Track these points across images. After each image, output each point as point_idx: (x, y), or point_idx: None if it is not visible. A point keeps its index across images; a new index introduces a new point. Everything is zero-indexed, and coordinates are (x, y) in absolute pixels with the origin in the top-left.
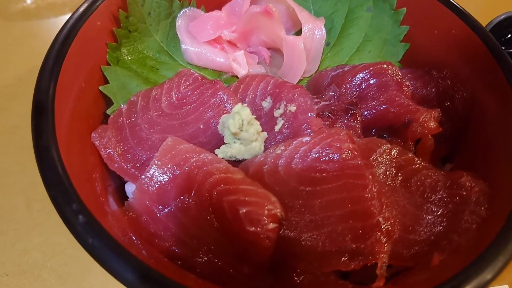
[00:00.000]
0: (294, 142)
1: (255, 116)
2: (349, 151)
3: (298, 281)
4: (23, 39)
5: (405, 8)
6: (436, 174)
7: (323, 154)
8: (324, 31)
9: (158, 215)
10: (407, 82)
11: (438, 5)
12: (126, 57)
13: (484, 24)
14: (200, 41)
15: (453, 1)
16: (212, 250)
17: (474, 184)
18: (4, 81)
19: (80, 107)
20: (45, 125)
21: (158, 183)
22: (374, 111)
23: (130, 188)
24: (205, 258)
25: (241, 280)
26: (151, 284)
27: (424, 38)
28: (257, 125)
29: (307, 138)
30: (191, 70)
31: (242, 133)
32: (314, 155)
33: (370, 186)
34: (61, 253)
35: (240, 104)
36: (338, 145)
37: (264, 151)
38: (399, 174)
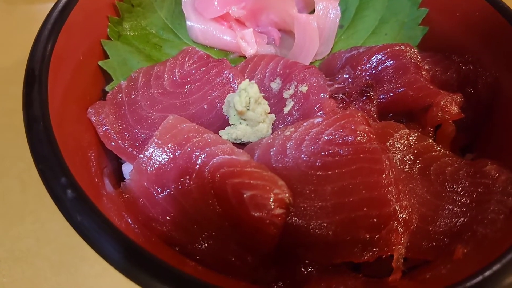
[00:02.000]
0: (305, 124)
1: (263, 95)
2: (365, 134)
3: (305, 272)
4: (25, 23)
5: None
6: (457, 162)
7: (337, 136)
8: (338, 10)
9: (156, 197)
10: (426, 66)
11: None
12: (128, 33)
13: None
14: (206, 18)
15: None
16: (213, 237)
17: (500, 173)
18: (4, 64)
19: (77, 81)
20: (36, 95)
21: (157, 163)
22: (391, 94)
23: (127, 169)
24: (206, 245)
25: (244, 269)
26: (146, 269)
27: (444, 21)
28: (265, 105)
29: (319, 120)
30: (196, 48)
31: (248, 112)
32: (326, 138)
33: (387, 172)
34: (55, 240)
35: (247, 80)
36: (353, 127)
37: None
38: (418, 161)
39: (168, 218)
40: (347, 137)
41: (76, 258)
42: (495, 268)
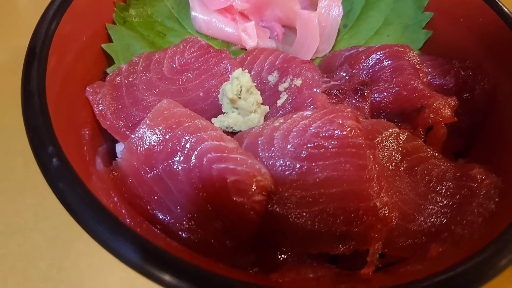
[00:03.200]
0: (294, 116)
1: (255, 84)
2: (352, 129)
3: (281, 259)
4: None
5: None
6: (445, 164)
7: (324, 129)
8: (341, 8)
9: (144, 177)
10: (425, 69)
11: None
12: (133, 19)
13: None
14: (211, 9)
15: None
16: (195, 218)
17: (485, 177)
18: (15, 47)
19: (78, 61)
20: (34, 71)
21: (148, 144)
22: (385, 94)
23: (120, 148)
24: (187, 226)
25: (222, 253)
26: (123, 239)
27: (448, 26)
28: (257, 95)
29: (308, 113)
30: (198, 38)
31: (240, 101)
32: (313, 130)
33: (370, 167)
34: (53, 216)
35: (240, 69)
36: (340, 122)
37: None
38: (405, 160)
39: (154, 197)
40: (333, 131)
41: (72, 236)
42: (465, 266)
